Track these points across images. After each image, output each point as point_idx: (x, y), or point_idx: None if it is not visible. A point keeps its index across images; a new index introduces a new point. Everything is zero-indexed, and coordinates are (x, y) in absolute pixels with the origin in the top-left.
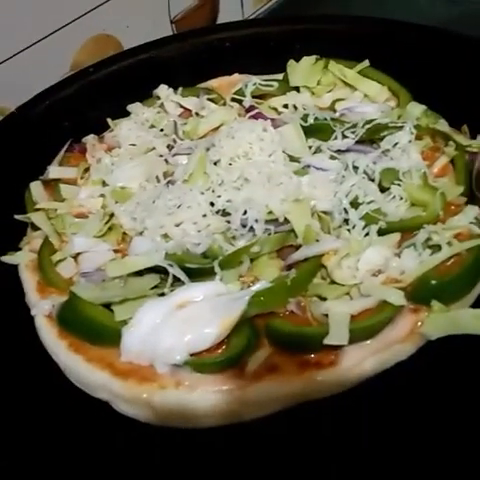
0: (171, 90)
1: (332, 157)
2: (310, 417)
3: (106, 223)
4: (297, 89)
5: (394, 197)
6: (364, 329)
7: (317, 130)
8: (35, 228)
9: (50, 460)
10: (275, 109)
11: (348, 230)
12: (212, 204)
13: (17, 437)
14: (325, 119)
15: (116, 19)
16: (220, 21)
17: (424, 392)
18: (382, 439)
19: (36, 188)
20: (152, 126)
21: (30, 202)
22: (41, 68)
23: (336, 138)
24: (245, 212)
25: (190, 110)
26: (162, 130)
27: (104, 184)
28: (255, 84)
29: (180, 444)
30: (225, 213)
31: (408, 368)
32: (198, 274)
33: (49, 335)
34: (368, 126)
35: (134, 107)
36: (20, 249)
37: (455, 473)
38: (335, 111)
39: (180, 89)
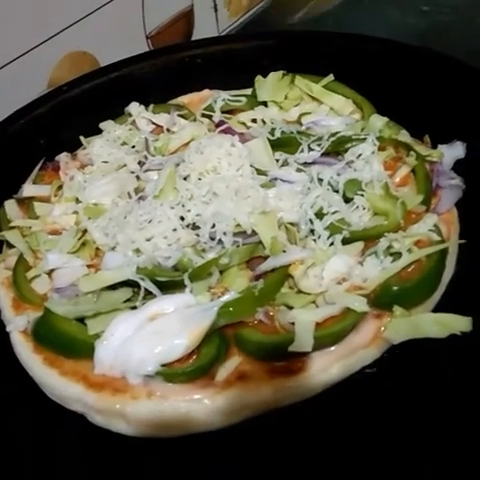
0: (143, 107)
1: (298, 170)
2: (281, 423)
3: (79, 239)
4: (265, 104)
5: (357, 207)
6: (329, 335)
7: (284, 143)
8: (10, 246)
9: (27, 474)
10: (244, 124)
11: (314, 240)
12: (182, 218)
13: None
14: (292, 132)
15: (91, 35)
16: (195, 35)
17: (389, 394)
18: (352, 442)
19: (10, 206)
20: (124, 143)
21: (5, 220)
22: (17, 86)
23: (302, 151)
24: (214, 225)
25: (161, 126)
26: (134, 147)
27: (77, 201)
28: (224, 100)
29: (155, 454)
30: (195, 227)
31: (373, 371)
32: (169, 287)
33: (24, 350)
34: (333, 139)
35: (106, 125)
36: None
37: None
38: (301, 125)
39: (151, 106)
